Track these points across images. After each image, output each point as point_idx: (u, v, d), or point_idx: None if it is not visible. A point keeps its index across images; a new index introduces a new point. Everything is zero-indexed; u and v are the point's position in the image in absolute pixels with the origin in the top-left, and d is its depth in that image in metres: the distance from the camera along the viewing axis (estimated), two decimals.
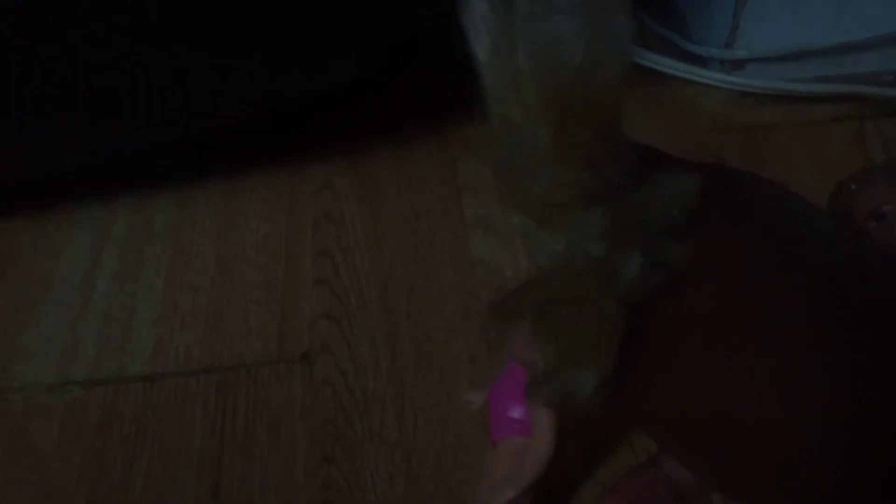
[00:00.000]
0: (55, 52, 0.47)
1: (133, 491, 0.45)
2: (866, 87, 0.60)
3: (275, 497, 0.44)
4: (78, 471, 0.46)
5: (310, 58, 0.51)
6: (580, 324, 0.19)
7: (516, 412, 0.41)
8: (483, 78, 0.19)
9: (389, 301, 0.53)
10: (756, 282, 0.18)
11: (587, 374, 0.19)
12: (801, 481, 0.18)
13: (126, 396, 0.49)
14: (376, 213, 0.58)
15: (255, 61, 0.50)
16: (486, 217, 0.57)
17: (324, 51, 0.51)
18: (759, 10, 0.58)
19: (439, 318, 0.52)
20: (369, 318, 0.52)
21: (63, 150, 0.53)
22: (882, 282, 0.19)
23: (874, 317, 0.18)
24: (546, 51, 0.18)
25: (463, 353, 0.50)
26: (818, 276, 0.18)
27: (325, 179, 0.60)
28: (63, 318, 0.53)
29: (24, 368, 0.50)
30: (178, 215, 0.59)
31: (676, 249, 0.19)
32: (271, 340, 0.51)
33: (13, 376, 0.50)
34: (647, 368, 0.19)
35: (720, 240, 0.19)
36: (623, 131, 0.19)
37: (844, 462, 0.18)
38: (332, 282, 0.54)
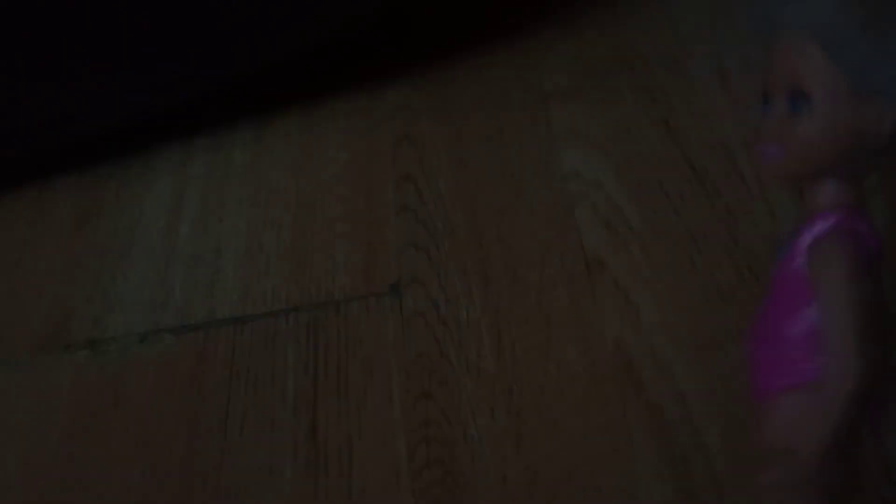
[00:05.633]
0: None
1: (231, 434, 0.44)
2: None
3: (373, 436, 0.43)
4: (176, 418, 0.45)
5: None
6: None
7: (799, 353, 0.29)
8: None
9: (478, 224, 0.50)
10: None
11: None
12: None
13: (217, 340, 0.48)
14: (458, 132, 0.55)
15: None
16: (576, 125, 0.53)
17: None
18: None
19: (532, 238, 0.48)
20: (458, 244, 0.49)
21: (140, 93, 0.53)
22: None
23: None
24: None
25: (560, 275, 0.46)
26: None
27: (402, 101, 0.57)
28: (150, 265, 0.52)
29: (117, 318, 0.50)
30: (255, 151, 0.57)
31: None
32: (358, 273, 0.49)
33: (107, 327, 0.50)
34: None
35: None
36: None
37: None
38: (417, 208, 0.51)
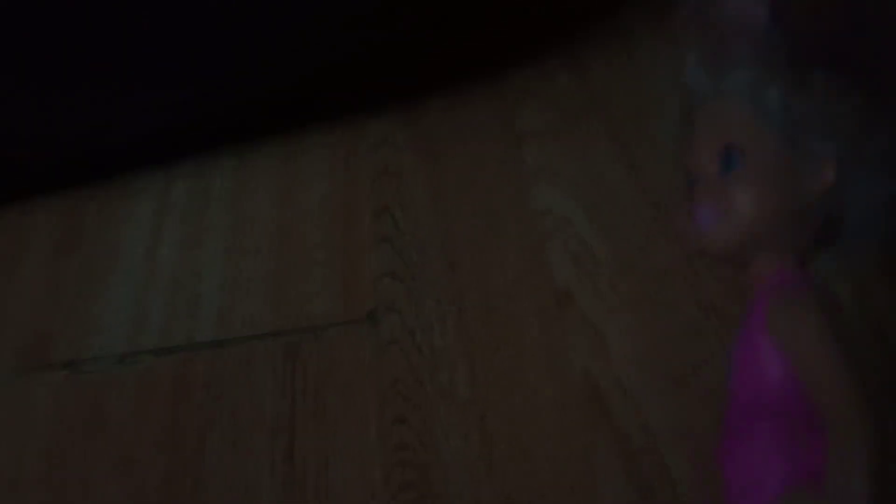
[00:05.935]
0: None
1: (209, 457, 0.45)
2: None
3: (349, 459, 0.44)
4: (154, 440, 0.46)
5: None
6: None
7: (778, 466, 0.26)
8: None
9: (452, 256, 0.52)
10: None
11: None
12: None
13: (196, 364, 0.49)
14: (435, 166, 0.57)
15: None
16: (547, 164, 0.55)
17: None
18: None
19: (505, 271, 0.50)
20: (433, 275, 0.51)
21: (129, 114, 0.54)
22: None
23: None
24: None
25: (531, 306, 0.48)
26: None
27: (382, 135, 0.59)
28: (130, 288, 0.53)
29: (96, 340, 0.51)
30: (236, 180, 0.58)
31: None
32: (336, 301, 0.51)
33: (86, 349, 0.51)
34: None
35: None
36: None
37: None
38: (394, 239, 0.53)
